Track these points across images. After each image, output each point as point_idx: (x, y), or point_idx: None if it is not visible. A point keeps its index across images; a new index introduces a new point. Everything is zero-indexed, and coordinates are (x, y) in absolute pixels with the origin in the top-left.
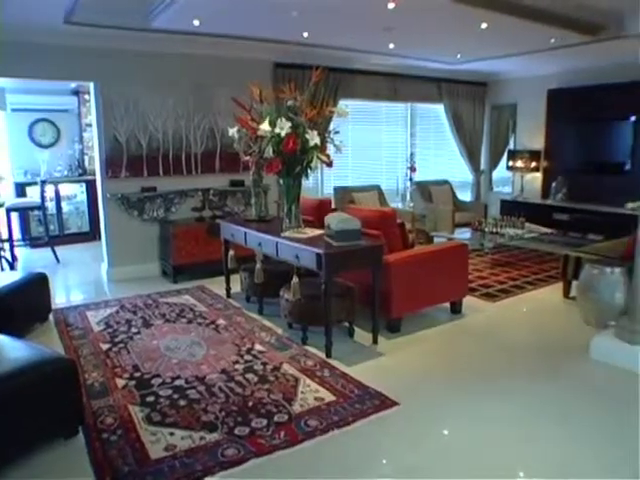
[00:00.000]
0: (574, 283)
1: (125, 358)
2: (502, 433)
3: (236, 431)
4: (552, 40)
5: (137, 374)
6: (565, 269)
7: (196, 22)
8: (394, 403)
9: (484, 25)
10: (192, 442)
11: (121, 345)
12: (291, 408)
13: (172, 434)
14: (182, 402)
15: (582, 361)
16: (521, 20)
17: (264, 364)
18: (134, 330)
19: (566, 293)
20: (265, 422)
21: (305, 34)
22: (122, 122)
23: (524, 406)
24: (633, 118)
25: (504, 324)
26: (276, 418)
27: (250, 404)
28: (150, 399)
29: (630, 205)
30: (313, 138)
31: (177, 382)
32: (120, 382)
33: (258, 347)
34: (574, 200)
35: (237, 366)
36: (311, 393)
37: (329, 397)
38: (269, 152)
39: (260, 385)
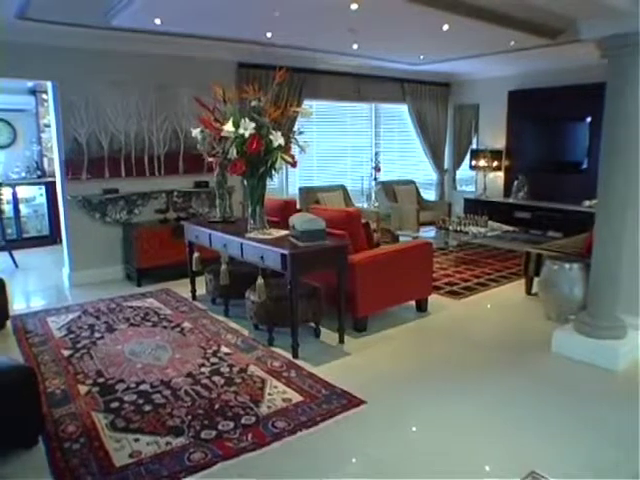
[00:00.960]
0: (536, 279)
1: (88, 364)
2: (468, 428)
3: (203, 435)
4: (512, 43)
5: (100, 380)
6: (527, 266)
7: (157, 21)
8: (361, 402)
9: (446, 27)
10: (158, 447)
11: (84, 351)
12: (258, 410)
13: (137, 440)
14: (147, 407)
15: (544, 355)
16: (482, 23)
17: (230, 366)
18: (97, 335)
19: (528, 289)
20: (232, 425)
21: (269, 34)
22: (82, 123)
23: (490, 401)
24: (589, 119)
25: (469, 321)
26: (243, 420)
27: (217, 407)
28: (114, 405)
29: (587, 203)
30: (277, 139)
31: (142, 387)
32: (83, 389)
33: (224, 349)
34: (535, 198)
35: (203, 369)
36: (278, 394)
37: (296, 398)
38: (233, 153)
39: (227, 387)
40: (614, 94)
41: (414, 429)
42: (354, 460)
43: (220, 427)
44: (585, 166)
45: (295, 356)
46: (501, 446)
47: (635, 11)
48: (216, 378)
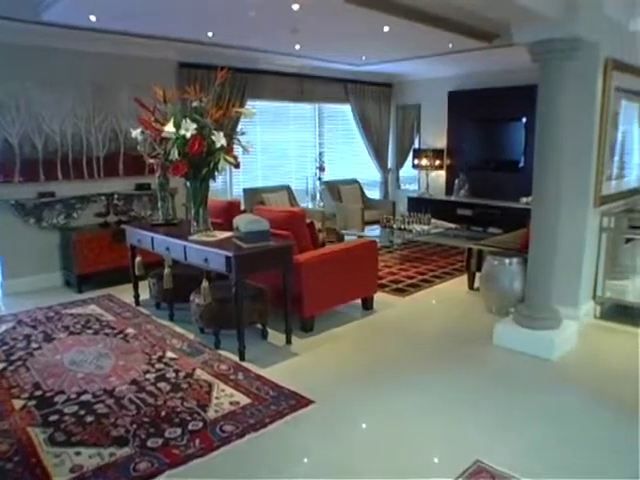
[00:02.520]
0: (477, 275)
1: (24, 377)
2: (416, 423)
3: (149, 443)
4: (450, 45)
5: (38, 393)
6: (469, 262)
7: (92, 18)
8: (310, 402)
9: (386, 28)
10: (101, 460)
11: (19, 363)
12: (206, 415)
13: (78, 454)
14: (89, 418)
15: (486, 347)
16: (420, 25)
17: (176, 371)
18: (34, 345)
19: (470, 284)
20: (179, 431)
21: (210, 34)
22: (13, 123)
23: (435, 394)
24: (524, 119)
25: (414, 317)
26: (190, 426)
27: (163, 414)
28: (53, 418)
29: (524, 200)
30: (219, 139)
31: (83, 397)
32: (18, 403)
33: (170, 354)
34: (475, 196)
35: (148, 375)
36: (226, 398)
37: (244, 400)
38: (174, 154)
39: (173, 393)
40: (545, 96)
41: (363, 426)
42: (305, 460)
43: (167, 434)
44: (522, 164)
45: (242, 358)
46: (447, 438)
47: (562, 19)
48: (162, 384)
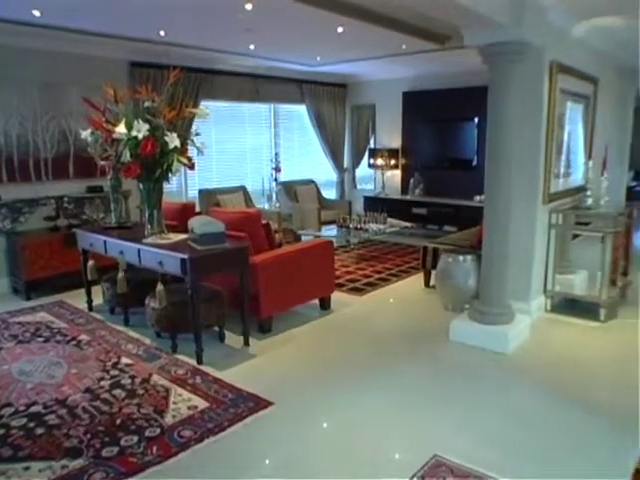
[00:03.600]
0: (433, 272)
1: None
2: (375, 420)
3: (104, 453)
4: (404, 46)
5: None
6: (424, 260)
7: (36, 12)
8: (269, 403)
9: (340, 29)
10: (52, 473)
11: None
12: (163, 420)
13: (27, 469)
14: (39, 430)
15: (442, 343)
16: (374, 26)
17: (132, 377)
18: None
19: (427, 282)
20: (136, 439)
21: (162, 32)
22: None
23: (394, 391)
24: (476, 119)
25: (372, 316)
26: (147, 433)
27: (118, 422)
28: None
29: (478, 198)
30: (173, 140)
31: (33, 409)
32: None
33: (125, 360)
34: (430, 195)
35: (102, 383)
36: (184, 402)
37: (202, 404)
38: (126, 156)
39: (129, 400)
40: (494, 97)
41: (324, 425)
42: (266, 462)
43: (123, 443)
44: (475, 163)
45: (200, 362)
46: (406, 434)
47: (509, 23)
48: (117, 391)
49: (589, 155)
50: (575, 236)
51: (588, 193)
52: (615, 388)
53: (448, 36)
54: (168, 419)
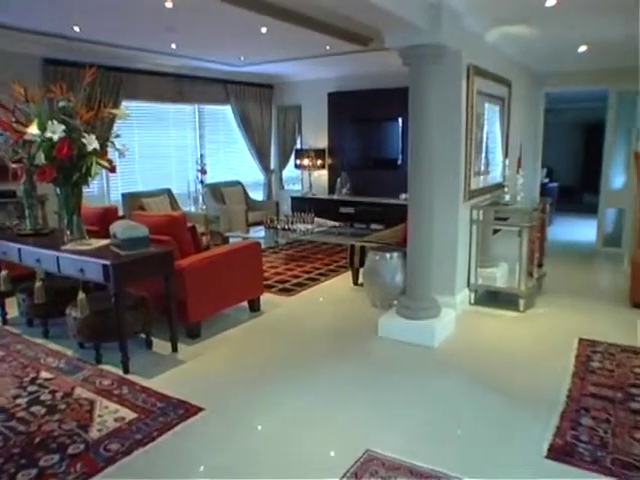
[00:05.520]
0: (361, 270)
1: None
2: (308, 420)
3: (20, 477)
4: (328, 47)
5: None
6: (352, 258)
7: None
8: (199, 409)
9: (264, 29)
10: None
11: None
12: (87, 435)
13: None
14: None
15: (372, 340)
16: (297, 27)
17: (53, 392)
18: None
19: (355, 280)
20: (57, 457)
21: (76, 28)
22: None
23: (325, 390)
24: (400, 120)
25: (301, 316)
26: (70, 450)
27: (37, 441)
28: None
29: (403, 196)
30: (91, 142)
31: None
32: None
33: (44, 374)
34: (357, 194)
35: (19, 400)
36: (110, 414)
37: (130, 415)
38: (40, 158)
39: (49, 417)
40: (415, 97)
41: (258, 428)
42: (197, 470)
43: (42, 463)
44: (399, 162)
45: (126, 371)
46: (338, 432)
47: (427, 27)
48: (35, 408)
49: (506, 154)
50: (495, 231)
51: (506, 190)
52: (533, 375)
53: (370, 38)
54: (93, 433)
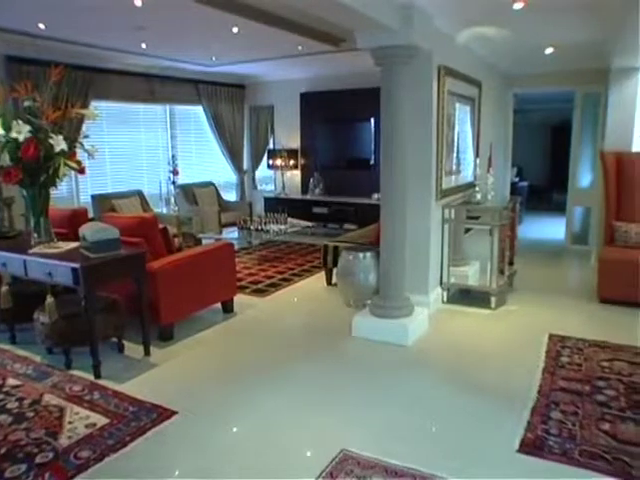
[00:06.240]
0: (334, 270)
1: None
2: (283, 420)
3: None
4: (300, 47)
5: None
6: (325, 258)
7: None
8: (173, 413)
9: (235, 29)
10: None
11: None
12: (57, 443)
13: None
14: None
15: (346, 339)
16: (269, 27)
17: (20, 400)
18: None
19: (328, 280)
20: (24, 467)
21: (41, 25)
22: None
23: (300, 390)
24: (373, 120)
25: (275, 317)
26: (38, 459)
27: (3, 451)
28: None
29: (376, 196)
30: (59, 143)
31: None
32: None
33: (11, 382)
34: (330, 194)
35: None
36: (80, 421)
37: (102, 421)
38: (5, 160)
39: (16, 426)
40: (386, 98)
41: (233, 430)
42: (171, 474)
43: (8, 474)
44: (372, 162)
45: (98, 376)
46: (313, 432)
47: (399, 28)
48: (1, 417)
49: (477, 153)
50: (467, 230)
51: (477, 189)
52: (506, 371)
53: (343, 38)
54: (63, 441)
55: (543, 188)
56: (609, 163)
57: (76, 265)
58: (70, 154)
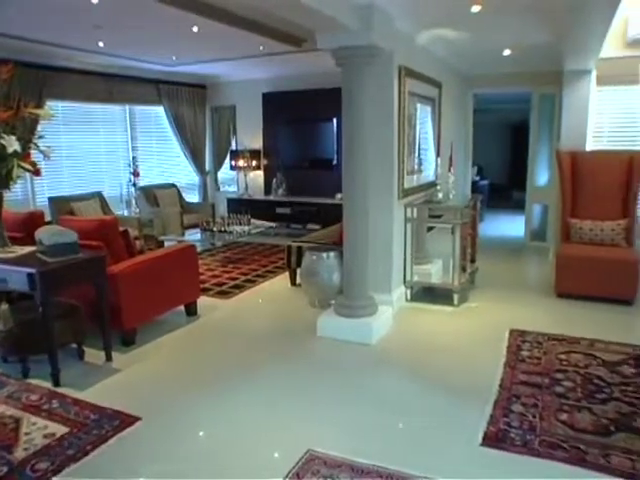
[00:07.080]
0: (299, 271)
1: None
2: (249, 422)
3: None
4: (261, 47)
5: None
6: (289, 259)
7: None
8: (135, 419)
9: (195, 29)
10: None
11: None
12: (12, 456)
13: None
14: None
15: (311, 339)
16: (230, 27)
17: None
18: None
19: (293, 281)
20: None
21: None
22: None
23: (265, 391)
24: (335, 120)
25: (240, 318)
26: None
27: None
28: None
29: (339, 195)
30: (11, 144)
31: None
32: None
33: None
34: (294, 194)
35: None
36: (38, 431)
37: (61, 430)
38: None
39: None
40: (347, 98)
41: (199, 434)
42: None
43: None
44: (335, 162)
45: (57, 384)
46: (280, 433)
47: (359, 29)
48: None
49: (438, 153)
50: (430, 228)
51: (438, 188)
52: (469, 366)
53: (304, 39)
54: (19, 453)
55: (503, 186)
56: (564, 162)
57: (32, 270)
58: (24, 155)
